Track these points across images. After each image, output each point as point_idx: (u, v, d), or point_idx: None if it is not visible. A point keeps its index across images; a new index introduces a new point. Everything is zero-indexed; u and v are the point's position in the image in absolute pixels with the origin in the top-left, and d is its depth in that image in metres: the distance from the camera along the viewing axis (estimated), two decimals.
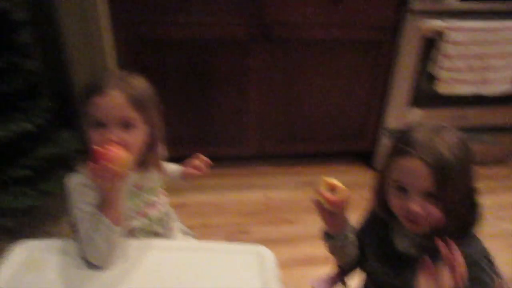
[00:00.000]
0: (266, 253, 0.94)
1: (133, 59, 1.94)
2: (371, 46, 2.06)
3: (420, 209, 0.81)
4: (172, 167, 1.17)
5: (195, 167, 1.15)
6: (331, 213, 0.92)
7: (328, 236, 0.98)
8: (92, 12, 1.75)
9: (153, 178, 1.03)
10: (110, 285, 0.85)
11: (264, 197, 2.15)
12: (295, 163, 2.42)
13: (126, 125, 0.88)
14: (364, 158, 2.47)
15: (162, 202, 1.08)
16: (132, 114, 0.88)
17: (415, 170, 0.79)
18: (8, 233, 1.77)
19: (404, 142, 0.82)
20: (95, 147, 0.81)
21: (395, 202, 0.86)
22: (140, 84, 0.92)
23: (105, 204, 0.86)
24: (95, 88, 0.87)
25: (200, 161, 1.15)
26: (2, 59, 1.65)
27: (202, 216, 1.98)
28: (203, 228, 1.87)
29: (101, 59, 1.86)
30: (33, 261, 0.90)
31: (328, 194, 0.88)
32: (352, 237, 0.99)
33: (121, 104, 0.86)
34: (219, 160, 2.40)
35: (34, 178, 1.69)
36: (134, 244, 0.96)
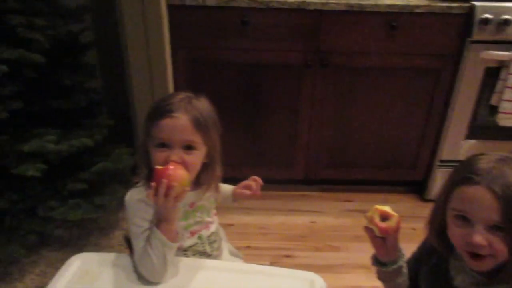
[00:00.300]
0: (317, 280, 0.92)
1: (189, 80, 2.01)
2: (429, 74, 2.00)
3: (484, 241, 0.75)
4: (225, 187, 1.18)
5: (247, 187, 1.14)
6: (383, 240, 0.90)
7: (378, 262, 0.96)
8: (154, 35, 1.84)
9: (207, 198, 1.05)
10: None
11: (310, 222, 2.11)
12: (343, 189, 2.37)
13: (189, 147, 0.90)
14: (416, 188, 2.39)
15: (214, 223, 1.09)
16: (195, 137, 0.91)
17: (481, 200, 0.74)
18: (61, 243, 1.85)
19: (469, 171, 0.77)
20: (157, 166, 0.84)
21: (455, 233, 0.81)
22: (203, 106, 0.94)
23: (162, 221, 0.88)
24: (161, 111, 0.89)
25: (253, 181, 1.14)
26: (69, 78, 1.76)
27: (247, 237, 1.97)
28: (247, 250, 1.87)
29: (160, 80, 1.93)
30: (88, 274, 0.93)
31: (380, 222, 0.87)
32: (403, 266, 0.95)
33: (186, 127, 0.89)
34: (267, 183, 2.42)
35: (89, 191, 1.76)
36: (185, 262, 0.97)
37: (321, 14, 1.87)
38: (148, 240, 0.89)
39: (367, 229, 0.90)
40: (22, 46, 1.52)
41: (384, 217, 0.87)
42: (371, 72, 2.00)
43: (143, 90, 1.97)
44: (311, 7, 1.84)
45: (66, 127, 1.76)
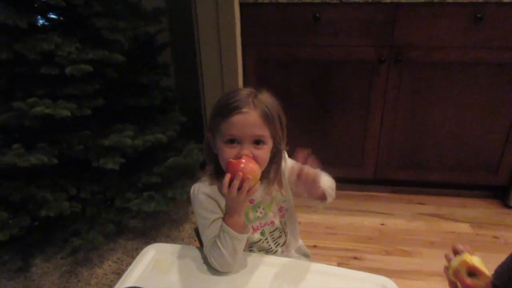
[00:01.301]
0: (389, 284, 0.88)
1: (259, 78, 2.03)
2: None
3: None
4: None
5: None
6: None
7: None
8: (226, 34, 1.87)
9: (270, 194, 1.04)
10: None
11: (380, 224, 2.04)
12: (416, 191, 2.26)
13: (258, 141, 0.90)
14: (497, 193, 2.21)
15: (278, 219, 1.08)
16: (264, 132, 0.90)
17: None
18: (136, 233, 1.96)
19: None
20: (231, 159, 0.86)
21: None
22: (268, 99, 0.93)
23: (230, 214, 0.90)
24: (230, 107, 0.90)
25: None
26: (146, 77, 1.85)
27: (314, 237, 1.95)
28: (314, 249, 1.84)
29: (230, 78, 1.97)
30: (161, 263, 0.97)
31: (466, 278, 0.75)
32: None
33: (256, 122, 0.89)
34: (336, 181, 2.37)
35: (161, 184, 1.84)
36: (252, 257, 0.98)
37: (397, 7, 1.79)
38: (218, 232, 0.91)
39: (450, 283, 0.80)
40: (105, 47, 1.62)
41: (472, 271, 0.75)
42: (450, 67, 1.88)
43: (214, 88, 2.02)
44: (387, 0, 1.77)
45: (142, 123, 1.86)
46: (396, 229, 2.00)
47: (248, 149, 0.88)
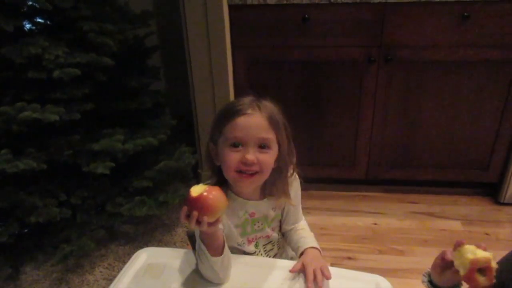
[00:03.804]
0: (383, 283, 0.88)
1: (249, 80, 2.03)
2: (505, 67, 1.86)
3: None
4: (302, 237, 1.05)
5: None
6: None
7: None
8: (216, 36, 1.87)
9: (269, 207, 1.01)
10: None
11: (372, 224, 2.04)
12: (408, 190, 2.27)
13: (263, 146, 0.87)
14: (489, 190, 2.23)
15: (275, 233, 1.06)
16: (270, 135, 0.88)
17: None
18: (128, 239, 1.94)
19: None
20: (192, 194, 0.77)
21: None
22: (273, 107, 0.91)
23: (204, 237, 0.86)
24: (234, 110, 0.87)
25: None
26: (135, 81, 1.84)
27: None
28: None
29: (220, 80, 1.96)
30: (153, 267, 0.96)
31: (480, 279, 0.73)
32: None
33: (261, 124, 0.87)
34: (327, 182, 2.39)
35: (153, 189, 1.82)
36: (247, 261, 0.97)
37: (385, 6, 1.80)
38: (198, 251, 0.88)
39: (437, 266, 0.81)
40: (93, 50, 1.60)
41: (484, 269, 0.74)
42: (439, 66, 1.89)
43: (204, 91, 2.01)
44: (375, 0, 1.78)
45: (132, 127, 1.84)
46: (389, 228, 2.00)
47: (252, 153, 0.85)
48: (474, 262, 0.73)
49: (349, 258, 1.82)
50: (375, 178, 2.22)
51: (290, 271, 0.91)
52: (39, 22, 1.68)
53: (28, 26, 1.66)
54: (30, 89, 1.56)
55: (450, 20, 1.79)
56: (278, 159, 0.92)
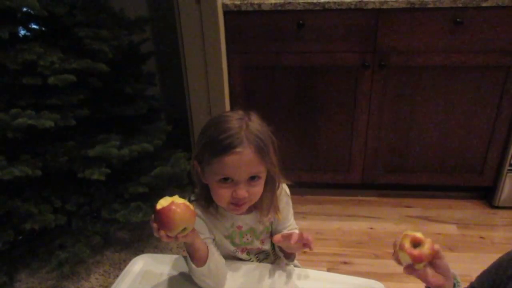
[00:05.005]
0: None
1: (245, 86, 2.04)
2: (497, 72, 1.88)
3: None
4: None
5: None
6: (426, 272, 0.78)
7: None
8: (211, 42, 1.88)
9: (256, 221, 1.00)
10: None
11: (368, 228, 2.04)
12: (403, 195, 2.28)
13: (253, 177, 0.86)
14: (483, 194, 2.25)
15: (266, 246, 1.05)
16: (260, 167, 0.86)
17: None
18: (124, 245, 1.93)
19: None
20: (158, 208, 0.77)
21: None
22: (259, 127, 0.87)
23: (186, 246, 0.87)
24: (223, 145, 0.82)
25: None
26: (130, 86, 1.84)
27: None
28: (303, 256, 1.83)
29: (216, 86, 1.97)
30: (150, 274, 0.96)
31: (411, 249, 0.76)
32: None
33: (252, 161, 0.83)
34: (323, 187, 2.40)
35: (149, 195, 1.82)
36: (242, 266, 0.97)
37: (379, 12, 1.82)
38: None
39: (396, 259, 0.79)
40: (88, 56, 1.60)
41: (416, 243, 0.76)
42: (433, 71, 1.91)
43: (200, 96, 2.02)
44: (369, 6, 1.80)
45: (128, 133, 1.84)
46: (384, 233, 2.01)
47: (243, 188, 0.84)
48: (401, 245, 0.77)
49: (345, 262, 1.82)
50: (371, 183, 2.23)
51: (273, 239, 0.92)
52: (34, 28, 1.68)
53: (22, 32, 1.66)
54: (25, 96, 1.56)
55: (444, 26, 1.81)
56: (267, 180, 0.91)
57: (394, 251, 0.80)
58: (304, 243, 0.85)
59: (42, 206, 1.62)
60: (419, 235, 0.77)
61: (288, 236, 0.86)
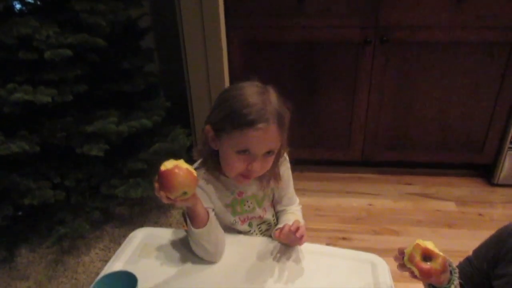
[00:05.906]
0: (379, 262, 0.88)
1: (244, 61, 2.01)
2: (501, 49, 1.85)
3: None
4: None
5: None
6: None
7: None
8: (210, 17, 1.84)
9: (256, 187, 1.01)
10: (218, 275, 0.88)
11: (367, 205, 2.05)
12: (403, 172, 2.28)
13: (268, 152, 0.87)
14: (482, 172, 2.25)
15: (267, 213, 1.06)
16: (278, 143, 0.88)
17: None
18: (123, 220, 1.94)
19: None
20: (162, 169, 0.76)
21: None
22: (279, 102, 0.87)
23: (187, 211, 0.88)
24: (247, 120, 0.82)
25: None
26: (128, 62, 1.81)
27: (303, 219, 1.95)
28: None
29: (215, 62, 1.94)
30: (149, 247, 0.96)
31: (421, 262, 0.74)
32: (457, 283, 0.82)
33: (272, 138, 0.85)
34: (323, 164, 2.39)
35: (147, 170, 1.81)
36: (242, 240, 0.98)
37: None
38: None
39: (404, 268, 0.78)
40: (85, 30, 1.57)
41: (427, 255, 0.74)
42: (435, 47, 1.88)
43: (199, 72, 1.99)
44: None
45: (126, 109, 1.82)
46: (383, 209, 2.02)
47: (259, 163, 0.86)
48: (411, 256, 0.75)
49: (344, 238, 1.84)
50: (370, 160, 2.23)
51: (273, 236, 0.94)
52: (29, 2, 1.65)
53: (18, 6, 1.63)
54: (21, 71, 1.54)
55: (446, 1, 1.77)
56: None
57: (398, 254, 0.79)
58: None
59: (41, 182, 1.62)
60: (430, 246, 0.74)
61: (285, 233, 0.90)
